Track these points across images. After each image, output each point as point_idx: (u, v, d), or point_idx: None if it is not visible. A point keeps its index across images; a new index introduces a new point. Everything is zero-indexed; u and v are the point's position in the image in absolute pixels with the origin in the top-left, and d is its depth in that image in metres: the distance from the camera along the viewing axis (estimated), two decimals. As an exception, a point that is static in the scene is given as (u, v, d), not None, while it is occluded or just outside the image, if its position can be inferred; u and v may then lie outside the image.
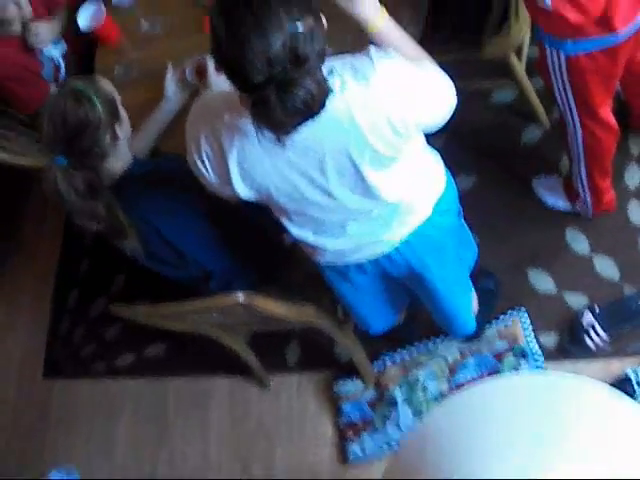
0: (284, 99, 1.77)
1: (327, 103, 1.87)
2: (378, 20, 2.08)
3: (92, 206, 2.51)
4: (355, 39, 2.16)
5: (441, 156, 2.47)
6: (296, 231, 2.33)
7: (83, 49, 3.58)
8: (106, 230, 2.59)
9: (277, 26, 1.75)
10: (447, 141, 3.33)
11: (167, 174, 2.66)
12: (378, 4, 2.09)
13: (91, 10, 3.20)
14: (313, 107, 1.82)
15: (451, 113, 2.15)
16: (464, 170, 3.43)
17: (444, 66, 2.20)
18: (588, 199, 3.16)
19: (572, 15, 2.19)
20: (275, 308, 2.56)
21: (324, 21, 1.87)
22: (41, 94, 3.47)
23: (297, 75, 1.77)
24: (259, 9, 1.76)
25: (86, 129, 2.44)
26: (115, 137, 2.52)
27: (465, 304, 2.88)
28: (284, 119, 1.81)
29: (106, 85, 2.55)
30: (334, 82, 1.90)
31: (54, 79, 3.61)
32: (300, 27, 1.76)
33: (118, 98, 2.56)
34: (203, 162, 2.13)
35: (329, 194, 2.13)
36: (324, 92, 1.84)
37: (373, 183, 2.11)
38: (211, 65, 2.72)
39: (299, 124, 1.86)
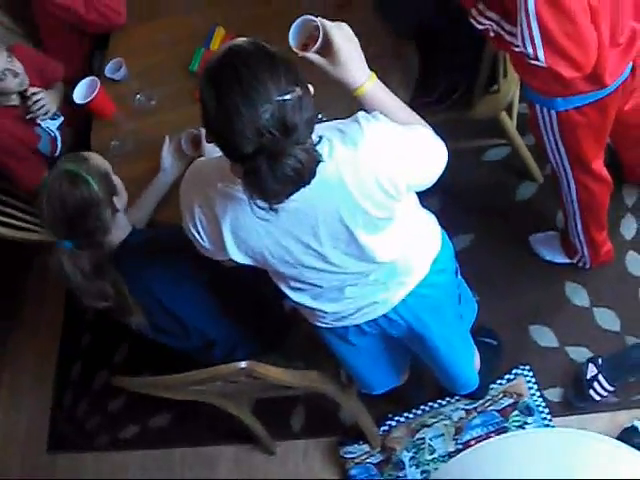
0: (275, 168, 1.78)
1: (320, 168, 1.88)
2: (367, 84, 2.09)
3: (99, 286, 2.53)
4: (348, 104, 2.17)
5: (437, 216, 2.47)
6: (294, 296, 2.34)
7: (79, 123, 3.62)
8: (113, 308, 2.60)
9: (265, 96, 1.76)
10: (443, 200, 3.36)
11: (165, 244, 2.67)
12: (366, 68, 2.10)
13: (86, 84, 3.24)
14: (304, 175, 1.83)
15: (441, 173, 2.16)
16: (460, 229, 3.45)
17: (435, 127, 2.22)
18: (586, 252, 3.17)
19: (566, 71, 2.20)
20: (278, 375, 2.55)
21: (311, 89, 1.89)
22: (38, 170, 3.51)
23: (287, 144, 1.78)
24: (246, 80, 1.78)
25: (87, 210, 2.47)
26: (114, 210, 2.54)
27: (467, 361, 2.87)
28: (276, 188, 1.82)
29: (97, 160, 2.56)
30: (323, 148, 1.91)
31: (51, 153, 3.65)
32: (288, 97, 1.78)
33: (110, 169, 2.58)
34: (197, 230, 2.15)
35: (324, 258, 2.13)
36: (314, 160, 1.85)
37: (367, 246, 2.12)
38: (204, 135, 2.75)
39: (291, 193, 1.87)
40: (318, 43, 2.04)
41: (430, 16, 2.88)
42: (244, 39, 1.89)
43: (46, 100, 3.53)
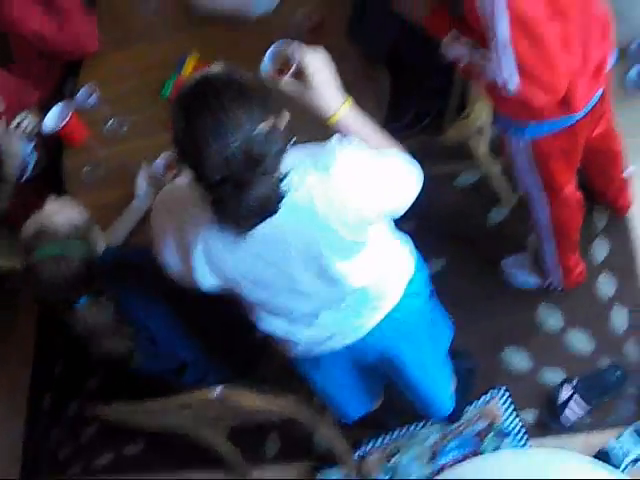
0: (240, 198, 1.80)
1: (289, 194, 1.89)
2: (341, 110, 2.08)
3: (122, 328, 2.56)
4: (323, 128, 2.16)
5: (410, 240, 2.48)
6: (267, 323, 2.33)
7: (52, 148, 3.60)
8: (127, 353, 2.63)
9: (234, 127, 1.77)
10: (415, 225, 3.36)
11: (140, 264, 2.64)
12: (341, 94, 2.09)
13: (58, 110, 3.24)
14: (269, 207, 1.85)
15: (414, 199, 2.16)
16: (434, 253, 3.43)
17: (407, 151, 2.22)
18: (558, 275, 3.19)
19: (538, 97, 2.22)
20: (252, 401, 2.54)
21: (286, 117, 1.90)
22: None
23: (253, 175, 1.79)
24: (216, 110, 1.78)
25: (87, 270, 2.49)
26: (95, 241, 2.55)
27: (442, 386, 2.87)
28: (241, 217, 1.84)
29: (55, 218, 2.53)
30: (293, 176, 1.91)
31: (20, 176, 3.62)
32: (259, 128, 1.79)
33: (67, 209, 2.57)
34: (168, 253, 2.14)
35: (296, 283, 2.13)
36: (280, 192, 1.86)
37: (340, 271, 2.12)
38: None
39: (257, 222, 1.88)
40: (292, 69, 2.05)
41: (402, 40, 2.90)
42: (220, 66, 1.90)
43: (29, 118, 3.53)
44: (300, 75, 2.05)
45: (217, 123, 1.78)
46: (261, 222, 1.89)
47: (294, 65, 2.05)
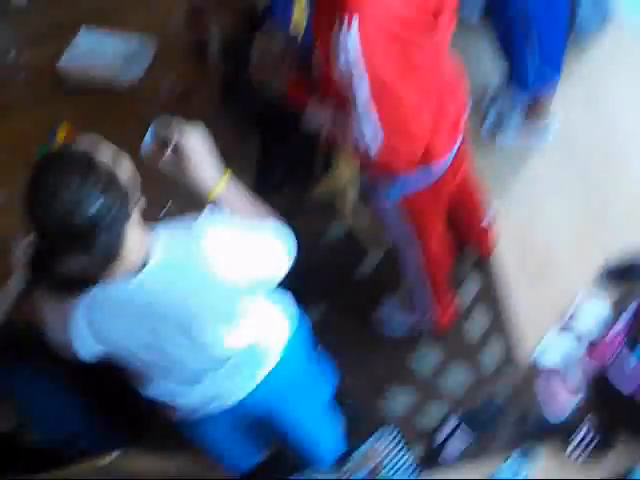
0: (51, 267, 1.83)
1: (160, 263, 1.94)
2: (219, 187, 2.10)
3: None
4: (198, 195, 2.17)
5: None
6: (150, 390, 2.35)
7: None
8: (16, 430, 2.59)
9: (65, 194, 1.77)
10: (290, 280, 3.44)
11: (23, 340, 2.63)
12: (219, 170, 2.11)
13: None
14: (78, 283, 1.87)
15: (288, 269, 2.18)
16: (311, 305, 3.42)
17: (278, 209, 2.26)
18: (430, 317, 3.29)
19: (403, 146, 2.28)
20: (144, 465, 2.52)
21: (141, 204, 1.93)
22: None
23: (68, 248, 1.81)
24: (56, 176, 1.79)
25: None
26: None
27: (328, 433, 2.92)
28: (52, 281, 1.88)
29: None
30: (166, 247, 1.96)
31: None
32: (92, 205, 1.78)
33: None
34: (52, 324, 2.13)
35: (175, 349, 2.15)
36: (95, 271, 1.86)
37: (216, 337, 2.15)
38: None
39: (70, 292, 1.92)
40: (170, 148, 2.06)
41: (268, 103, 2.96)
42: (86, 139, 1.91)
43: None
44: (178, 153, 2.07)
45: (50, 190, 1.78)
46: (72, 293, 1.92)
47: (171, 144, 2.06)
